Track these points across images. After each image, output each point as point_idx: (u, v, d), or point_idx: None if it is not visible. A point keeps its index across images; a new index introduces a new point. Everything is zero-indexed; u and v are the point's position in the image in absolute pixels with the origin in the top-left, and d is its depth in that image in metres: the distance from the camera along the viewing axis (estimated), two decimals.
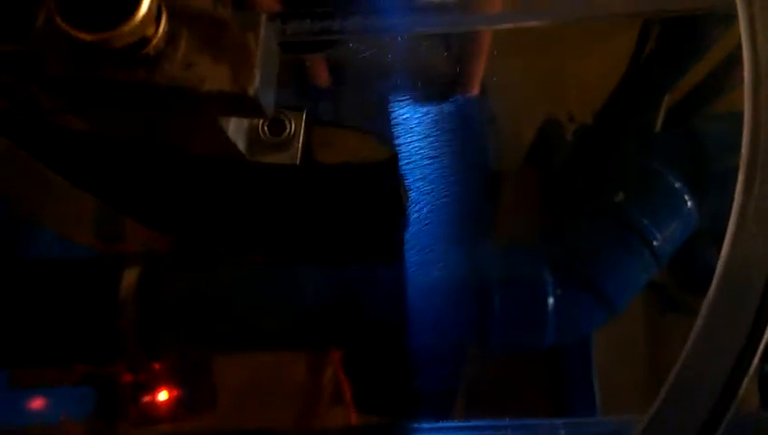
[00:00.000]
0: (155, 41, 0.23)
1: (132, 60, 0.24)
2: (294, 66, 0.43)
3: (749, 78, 0.24)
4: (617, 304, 0.42)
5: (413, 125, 0.43)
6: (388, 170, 0.35)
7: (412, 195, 0.41)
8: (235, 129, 0.30)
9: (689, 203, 0.42)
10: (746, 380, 0.23)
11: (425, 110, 0.44)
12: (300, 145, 0.33)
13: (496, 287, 0.40)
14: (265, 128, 0.32)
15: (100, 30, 0.22)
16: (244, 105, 0.26)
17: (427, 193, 0.42)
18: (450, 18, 0.48)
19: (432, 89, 0.44)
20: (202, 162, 0.31)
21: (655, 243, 0.41)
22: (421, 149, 0.43)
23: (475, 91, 0.44)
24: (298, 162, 0.33)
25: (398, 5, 0.47)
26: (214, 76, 0.24)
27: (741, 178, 0.25)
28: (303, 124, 0.33)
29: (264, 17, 0.25)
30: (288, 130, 0.33)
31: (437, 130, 0.44)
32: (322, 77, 0.44)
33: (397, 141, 0.42)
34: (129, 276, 0.37)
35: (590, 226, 0.43)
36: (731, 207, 0.25)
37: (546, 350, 0.42)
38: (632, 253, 0.42)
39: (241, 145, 0.31)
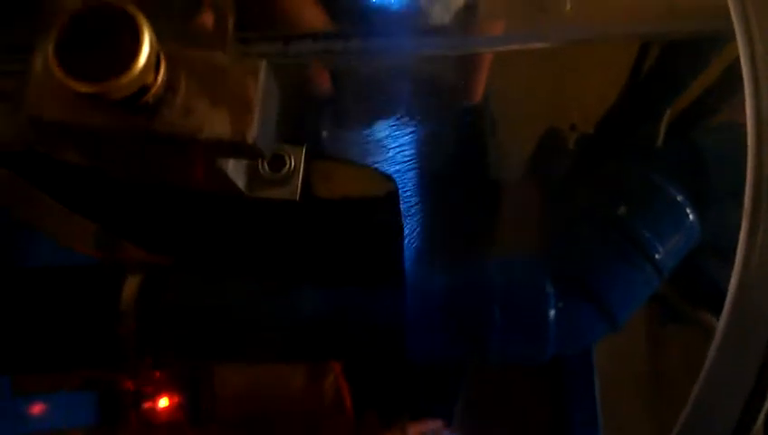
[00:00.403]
0: (154, 89, 0.23)
1: (131, 107, 0.24)
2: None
3: (752, 132, 0.24)
4: (618, 317, 0.41)
5: (411, 136, 0.43)
6: (387, 205, 0.35)
7: (412, 207, 0.41)
8: (235, 167, 0.30)
9: (691, 216, 0.42)
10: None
11: (424, 121, 0.44)
12: (299, 180, 0.33)
13: (497, 299, 0.40)
14: (265, 164, 0.32)
15: (99, 80, 0.22)
16: (242, 150, 0.26)
17: (428, 204, 0.42)
18: (452, 41, 0.48)
19: (433, 99, 0.44)
20: (199, 199, 0.31)
21: (657, 256, 0.41)
22: (420, 160, 0.43)
23: (477, 99, 0.44)
24: (297, 198, 0.33)
25: (399, 27, 0.47)
26: (212, 123, 0.24)
27: (744, 226, 0.24)
28: (303, 159, 0.33)
29: (263, 63, 0.25)
30: (288, 166, 0.33)
31: (437, 141, 0.44)
32: (324, 85, 0.44)
33: (395, 152, 0.43)
34: (131, 285, 0.37)
35: (591, 238, 0.43)
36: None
37: (547, 362, 0.41)
38: (634, 266, 0.41)
39: (240, 182, 0.31)
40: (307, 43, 0.45)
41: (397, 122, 0.44)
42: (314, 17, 0.43)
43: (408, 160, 0.43)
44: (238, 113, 0.24)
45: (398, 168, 0.43)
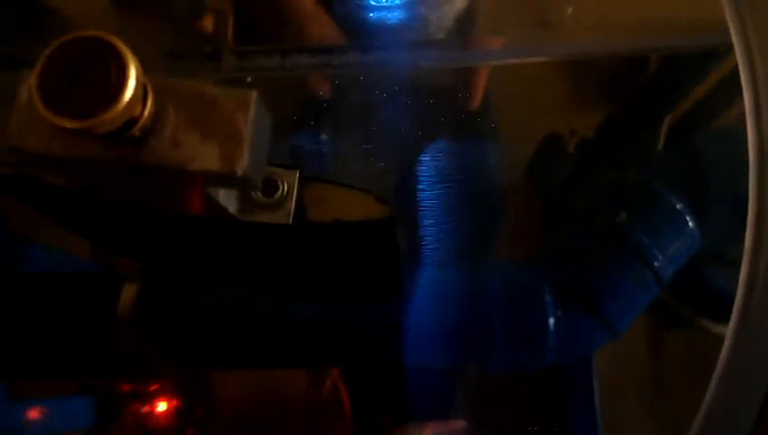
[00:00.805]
0: (141, 121, 0.23)
1: (118, 139, 0.23)
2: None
3: (753, 158, 0.23)
4: (617, 325, 0.41)
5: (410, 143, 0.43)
6: (382, 228, 0.34)
7: (410, 217, 0.41)
8: (226, 194, 0.30)
9: (691, 223, 0.42)
10: None
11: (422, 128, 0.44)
12: (293, 204, 0.32)
13: (496, 307, 0.40)
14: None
15: (84, 115, 0.21)
16: (232, 182, 0.25)
17: (427, 212, 0.41)
18: (449, 54, 0.48)
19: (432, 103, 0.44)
20: (191, 222, 0.31)
21: (656, 264, 0.41)
22: (419, 168, 0.43)
23: (476, 104, 0.44)
24: (290, 221, 0.32)
25: (396, 40, 0.47)
26: (202, 156, 0.24)
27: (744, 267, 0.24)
28: (297, 183, 0.33)
29: (254, 95, 0.24)
30: (281, 191, 0.32)
31: (435, 149, 0.43)
32: (323, 89, 0.44)
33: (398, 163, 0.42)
34: (128, 292, 0.36)
35: (590, 245, 0.43)
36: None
37: (546, 369, 0.41)
38: (634, 274, 0.41)
39: (232, 208, 0.31)
40: (304, 56, 0.45)
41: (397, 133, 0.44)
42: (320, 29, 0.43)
43: (410, 171, 0.43)
44: (228, 146, 0.24)
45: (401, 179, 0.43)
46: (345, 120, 0.45)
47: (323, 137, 0.44)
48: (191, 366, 0.38)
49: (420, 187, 0.42)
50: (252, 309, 0.35)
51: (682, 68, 0.45)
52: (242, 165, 0.24)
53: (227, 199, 0.30)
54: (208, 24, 0.45)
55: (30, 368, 0.37)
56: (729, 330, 0.24)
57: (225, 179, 0.24)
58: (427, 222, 0.41)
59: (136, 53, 0.22)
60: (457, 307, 0.39)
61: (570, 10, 0.45)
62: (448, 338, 0.39)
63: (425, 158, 0.43)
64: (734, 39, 0.25)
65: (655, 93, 0.47)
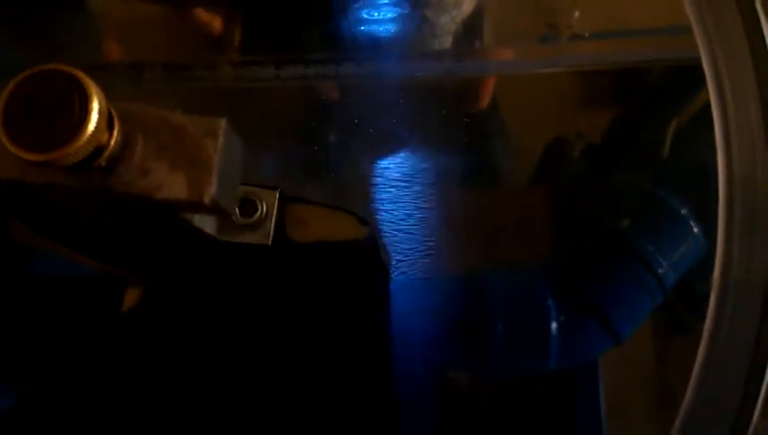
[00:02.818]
0: (108, 151, 0.23)
1: (86, 168, 0.23)
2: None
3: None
4: (621, 330, 0.41)
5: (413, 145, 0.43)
6: (363, 248, 0.34)
7: (415, 218, 0.41)
8: (201, 216, 0.30)
9: (696, 229, 0.42)
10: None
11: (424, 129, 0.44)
12: (272, 225, 0.32)
13: (500, 311, 0.40)
14: (236, 210, 0.31)
15: (47, 148, 0.21)
16: (201, 210, 0.25)
17: (430, 214, 0.41)
18: (446, 65, 0.48)
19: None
20: (168, 244, 0.31)
21: (660, 270, 0.41)
22: (424, 169, 0.43)
23: (484, 105, 0.44)
24: (269, 242, 0.32)
25: (391, 51, 0.47)
26: (170, 184, 0.24)
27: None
28: (276, 203, 0.33)
29: (223, 123, 0.24)
30: (260, 212, 0.32)
31: (441, 150, 0.43)
32: (331, 92, 0.44)
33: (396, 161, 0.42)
34: (131, 296, 0.37)
35: (595, 251, 0.43)
36: None
37: (550, 374, 0.41)
38: (637, 280, 0.41)
39: (209, 229, 0.31)
40: (299, 67, 0.45)
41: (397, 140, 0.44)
42: None
43: (410, 176, 0.43)
44: (196, 174, 0.24)
45: (398, 183, 0.43)
46: (340, 129, 0.45)
47: (318, 146, 0.44)
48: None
49: (419, 193, 0.42)
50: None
51: (686, 74, 0.44)
52: (210, 193, 0.24)
53: (203, 221, 0.30)
54: (217, 24, 0.45)
55: (32, 369, 0.38)
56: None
57: (194, 207, 0.24)
58: (426, 223, 0.41)
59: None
60: (461, 311, 0.39)
61: (576, 13, 0.45)
62: (452, 343, 0.39)
63: (423, 165, 0.43)
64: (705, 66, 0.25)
65: (660, 99, 0.47)
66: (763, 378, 0.23)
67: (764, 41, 0.24)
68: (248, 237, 0.32)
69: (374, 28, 0.47)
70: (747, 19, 0.24)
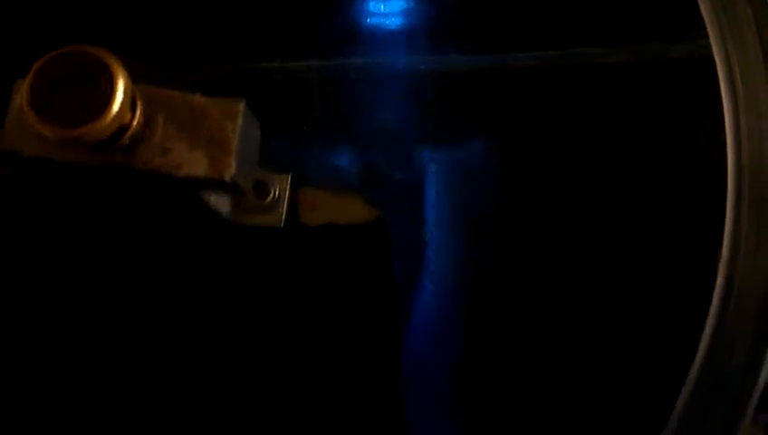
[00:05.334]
0: (131, 130, 0.23)
1: (109, 146, 0.24)
2: None
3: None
4: None
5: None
6: (374, 232, 0.35)
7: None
8: (217, 196, 0.30)
9: None
10: None
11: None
12: (285, 208, 0.33)
13: None
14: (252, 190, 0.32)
15: (73, 125, 0.22)
16: (221, 188, 0.26)
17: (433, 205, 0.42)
18: (450, 59, 0.48)
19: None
20: (185, 226, 0.31)
21: None
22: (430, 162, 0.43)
23: None
24: (282, 225, 0.33)
25: (398, 45, 0.47)
26: (190, 162, 0.24)
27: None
28: (289, 186, 0.33)
29: (242, 104, 0.25)
30: (273, 194, 0.33)
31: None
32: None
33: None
34: None
35: None
36: None
37: None
38: None
39: (224, 210, 0.31)
40: (304, 61, 0.46)
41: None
42: None
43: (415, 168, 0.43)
44: (216, 154, 0.24)
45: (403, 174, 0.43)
46: (343, 123, 0.45)
47: (323, 140, 0.44)
48: None
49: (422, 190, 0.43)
50: None
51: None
52: (230, 171, 0.24)
53: (219, 203, 0.30)
54: None
55: None
56: None
57: (214, 185, 0.25)
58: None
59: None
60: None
61: None
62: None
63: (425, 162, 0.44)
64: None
65: None
66: (758, 373, 0.23)
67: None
68: (261, 220, 0.33)
69: (381, 21, 0.47)
70: (757, 11, 0.24)
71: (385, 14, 0.47)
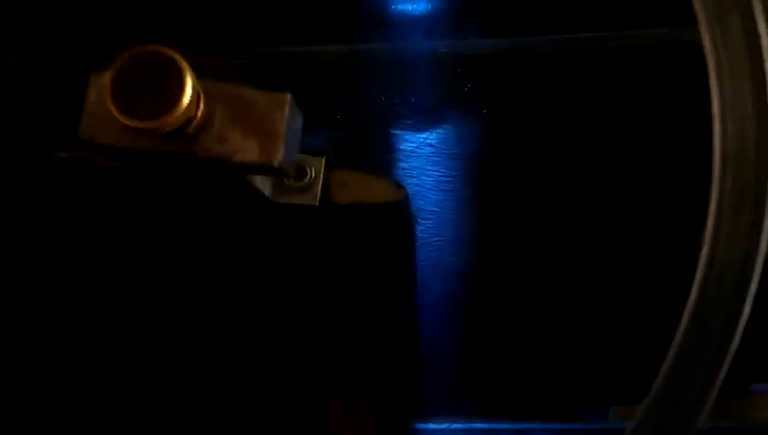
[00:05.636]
0: (195, 121, 0.27)
1: (177, 135, 0.27)
2: None
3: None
4: None
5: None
6: (399, 210, 0.38)
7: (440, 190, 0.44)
8: (262, 179, 0.34)
9: None
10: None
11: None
12: (319, 188, 0.36)
13: None
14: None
15: (149, 117, 0.25)
16: (270, 172, 0.29)
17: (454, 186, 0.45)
18: (467, 42, 0.50)
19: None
20: (236, 204, 0.35)
21: None
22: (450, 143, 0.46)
23: None
24: (317, 203, 0.36)
25: (417, 29, 0.50)
26: (245, 149, 0.28)
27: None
28: (323, 169, 0.37)
29: (288, 97, 0.28)
30: (309, 176, 0.36)
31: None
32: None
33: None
34: None
35: None
36: None
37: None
38: None
39: (267, 191, 0.35)
40: (328, 45, 0.48)
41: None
42: None
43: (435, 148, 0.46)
44: (266, 141, 0.28)
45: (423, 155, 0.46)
46: (367, 107, 0.48)
47: (346, 123, 0.47)
48: None
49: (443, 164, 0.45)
50: None
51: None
52: (278, 157, 0.28)
53: (263, 184, 0.34)
54: None
55: None
56: None
57: (264, 170, 0.29)
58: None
59: None
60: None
61: None
62: None
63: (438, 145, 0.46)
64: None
65: None
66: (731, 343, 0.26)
67: (757, 28, 0.27)
68: (299, 199, 0.36)
69: (403, 6, 0.50)
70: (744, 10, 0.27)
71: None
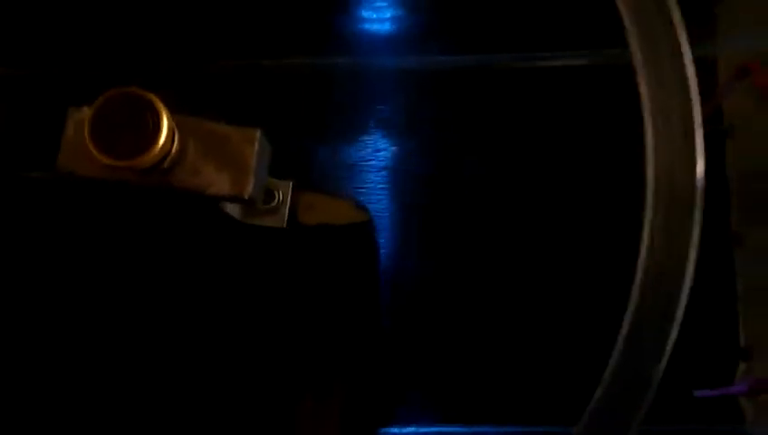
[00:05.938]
0: (170, 157, 0.28)
1: (151, 169, 0.29)
2: None
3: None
4: None
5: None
6: (363, 231, 0.40)
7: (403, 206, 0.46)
8: (232, 205, 0.36)
9: None
10: None
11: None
12: (286, 210, 0.38)
13: None
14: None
15: (126, 155, 0.27)
16: (241, 202, 0.31)
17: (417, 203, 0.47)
18: (434, 59, 0.52)
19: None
20: (207, 228, 0.37)
21: None
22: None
23: None
24: (284, 225, 0.38)
25: (387, 45, 0.52)
26: (217, 182, 0.30)
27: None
28: (290, 192, 0.38)
29: (258, 132, 0.30)
30: (277, 199, 0.38)
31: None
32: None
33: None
34: None
35: None
36: None
37: None
38: None
39: (236, 214, 0.37)
40: (299, 58, 0.50)
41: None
42: None
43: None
44: (238, 175, 0.30)
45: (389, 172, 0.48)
46: (331, 122, 0.50)
47: (319, 139, 0.49)
48: None
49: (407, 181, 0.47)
50: None
51: None
52: (249, 190, 0.30)
53: (233, 208, 0.36)
54: None
55: None
56: None
57: (236, 200, 0.31)
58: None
59: None
60: None
61: None
62: None
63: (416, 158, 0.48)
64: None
65: None
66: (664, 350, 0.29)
67: (678, 41, 0.29)
68: (267, 221, 0.38)
69: (372, 27, 0.51)
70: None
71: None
